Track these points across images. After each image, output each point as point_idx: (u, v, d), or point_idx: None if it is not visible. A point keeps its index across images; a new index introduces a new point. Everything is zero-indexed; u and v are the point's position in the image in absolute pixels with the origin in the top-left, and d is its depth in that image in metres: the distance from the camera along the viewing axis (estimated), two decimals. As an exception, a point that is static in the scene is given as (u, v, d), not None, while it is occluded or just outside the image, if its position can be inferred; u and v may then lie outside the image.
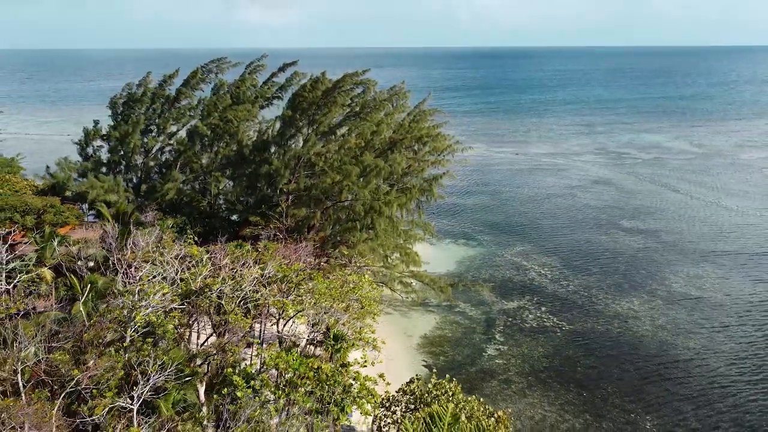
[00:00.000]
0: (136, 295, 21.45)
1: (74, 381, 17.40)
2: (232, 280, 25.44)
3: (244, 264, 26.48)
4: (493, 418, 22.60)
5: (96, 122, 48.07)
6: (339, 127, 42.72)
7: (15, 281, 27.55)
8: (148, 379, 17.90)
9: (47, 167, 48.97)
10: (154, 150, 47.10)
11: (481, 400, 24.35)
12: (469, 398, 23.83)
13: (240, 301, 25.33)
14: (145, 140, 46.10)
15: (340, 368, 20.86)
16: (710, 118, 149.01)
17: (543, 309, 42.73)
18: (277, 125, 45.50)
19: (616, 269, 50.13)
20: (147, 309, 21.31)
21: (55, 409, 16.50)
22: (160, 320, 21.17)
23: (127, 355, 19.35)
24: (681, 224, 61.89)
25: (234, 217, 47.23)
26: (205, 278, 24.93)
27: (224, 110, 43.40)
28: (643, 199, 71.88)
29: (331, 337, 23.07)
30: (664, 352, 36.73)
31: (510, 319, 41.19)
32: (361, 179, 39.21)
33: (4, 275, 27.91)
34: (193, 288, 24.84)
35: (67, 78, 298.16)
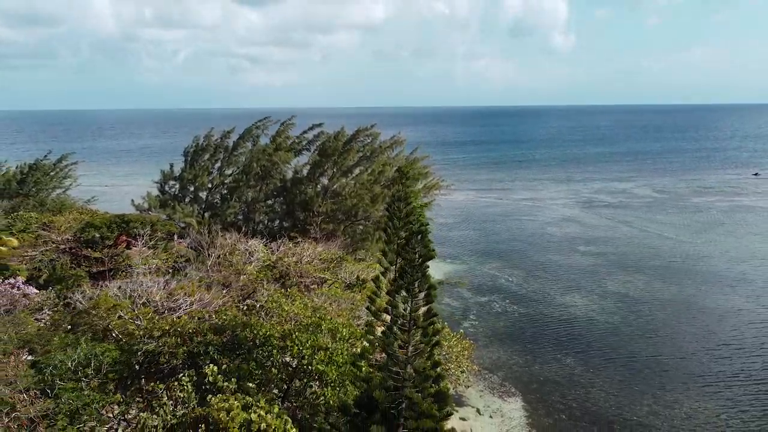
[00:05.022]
0: (244, 256, 36.55)
1: (226, 287, 32.31)
2: (293, 256, 40.47)
3: (300, 249, 41.57)
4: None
5: (171, 165, 63.70)
6: (355, 167, 58.37)
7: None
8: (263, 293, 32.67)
9: (132, 200, 64.05)
10: (215, 187, 62.55)
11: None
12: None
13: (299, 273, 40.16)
14: (210, 178, 61.65)
15: (366, 299, 35.52)
16: (678, 168, 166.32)
17: (507, 301, 57.38)
18: (305, 171, 61.44)
19: (567, 277, 64.93)
20: (252, 264, 36.32)
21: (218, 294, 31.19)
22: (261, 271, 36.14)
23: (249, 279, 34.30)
24: (626, 248, 77.04)
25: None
26: (277, 254, 39.99)
27: (270, 155, 59.11)
28: (600, 231, 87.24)
29: (360, 280, 37.95)
30: (591, 324, 51.32)
31: (481, 307, 55.82)
32: (371, 203, 54.61)
33: (140, 262, 42.63)
34: (270, 261, 39.83)
35: (91, 138, 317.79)
